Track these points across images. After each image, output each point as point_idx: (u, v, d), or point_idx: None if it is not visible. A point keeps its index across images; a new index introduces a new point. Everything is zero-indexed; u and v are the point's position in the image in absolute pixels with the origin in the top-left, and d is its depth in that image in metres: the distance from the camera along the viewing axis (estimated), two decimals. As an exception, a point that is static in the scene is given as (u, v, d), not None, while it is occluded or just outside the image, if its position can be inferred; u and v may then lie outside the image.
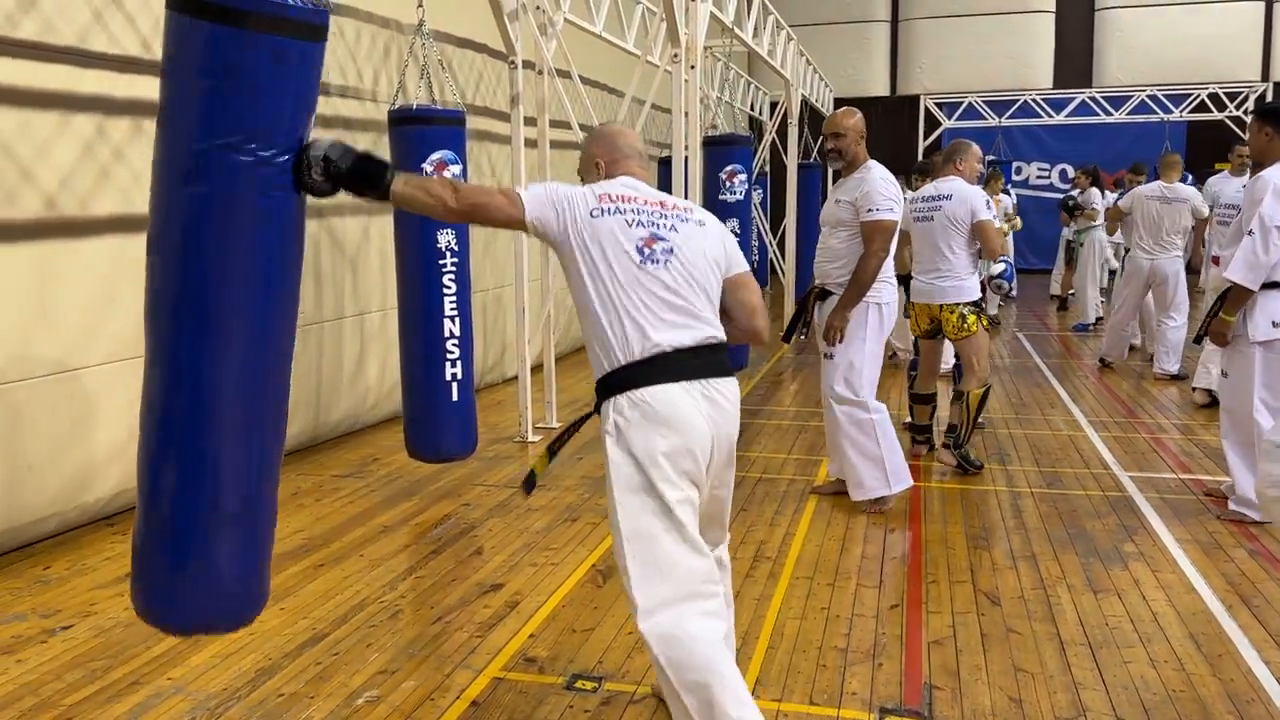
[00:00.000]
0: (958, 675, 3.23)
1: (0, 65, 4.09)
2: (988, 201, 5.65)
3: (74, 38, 4.39)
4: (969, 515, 4.87)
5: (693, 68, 6.20)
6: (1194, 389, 7.17)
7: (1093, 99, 17.92)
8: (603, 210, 2.53)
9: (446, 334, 4.83)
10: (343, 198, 5.89)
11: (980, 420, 5.90)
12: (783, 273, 12.47)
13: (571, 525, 4.75)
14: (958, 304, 5.45)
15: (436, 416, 4.89)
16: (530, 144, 6.78)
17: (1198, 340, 5.05)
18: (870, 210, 4.64)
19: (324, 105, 6.09)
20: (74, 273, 4.47)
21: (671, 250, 2.54)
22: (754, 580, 4.05)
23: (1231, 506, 4.77)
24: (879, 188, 4.66)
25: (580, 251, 2.51)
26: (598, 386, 2.54)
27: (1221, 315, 4.62)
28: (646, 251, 2.51)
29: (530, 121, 6.62)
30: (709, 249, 2.63)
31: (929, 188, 5.68)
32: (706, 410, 2.49)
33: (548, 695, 3.12)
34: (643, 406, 2.44)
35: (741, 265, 2.75)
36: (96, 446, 4.61)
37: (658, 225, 2.57)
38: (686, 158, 6.24)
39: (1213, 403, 6.74)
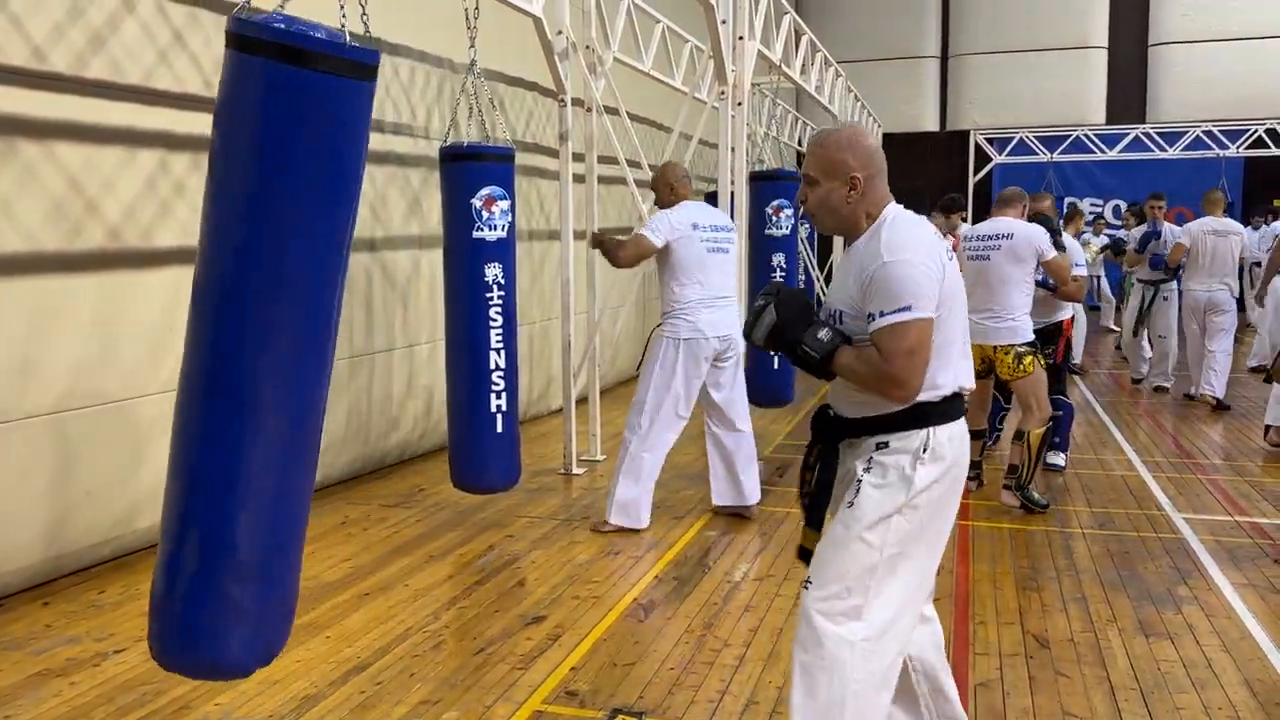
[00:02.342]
0: (1004, 717, 3.18)
1: (70, 103, 4.24)
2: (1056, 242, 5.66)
3: (139, 77, 4.55)
4: (1018, 555, 4.79)
5: (740, 105, 6.26)
6: (1267, 428, 6.92)
7: (1146, 134, 17.73)
8: (948, 252, 2.53)
9: (492, 366, 4.87)
10: (394, 228, 5.88)
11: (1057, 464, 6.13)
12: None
13: (614, 559, 4.75)
14: (1013, 344, 5.41)
15: (481, 448, 4.93)
16: (579, 179, 6.86)
17: (1268, 380, 5.05)
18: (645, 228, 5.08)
19: (378, 141, 6.22)
20: (135, 303, 4.60)
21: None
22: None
23: None
24: (659, 215, 5.11)
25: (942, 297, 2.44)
26: (909, 414, 2.44)
27: None
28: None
29: (579, 158, 6.71)
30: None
31: (986, 226, 5.65)
32: None
33: (588, 729, 3.12)
34: (954, 440, 2.47)
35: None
36: (152, 474, 4.71)
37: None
38: (733, 192, 6.28)
39: None
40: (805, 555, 2.60)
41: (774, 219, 7.37)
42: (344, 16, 2.52)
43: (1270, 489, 5.94)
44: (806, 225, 14.57)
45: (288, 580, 2.51)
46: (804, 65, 9.36)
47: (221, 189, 2.30)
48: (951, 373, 2.48)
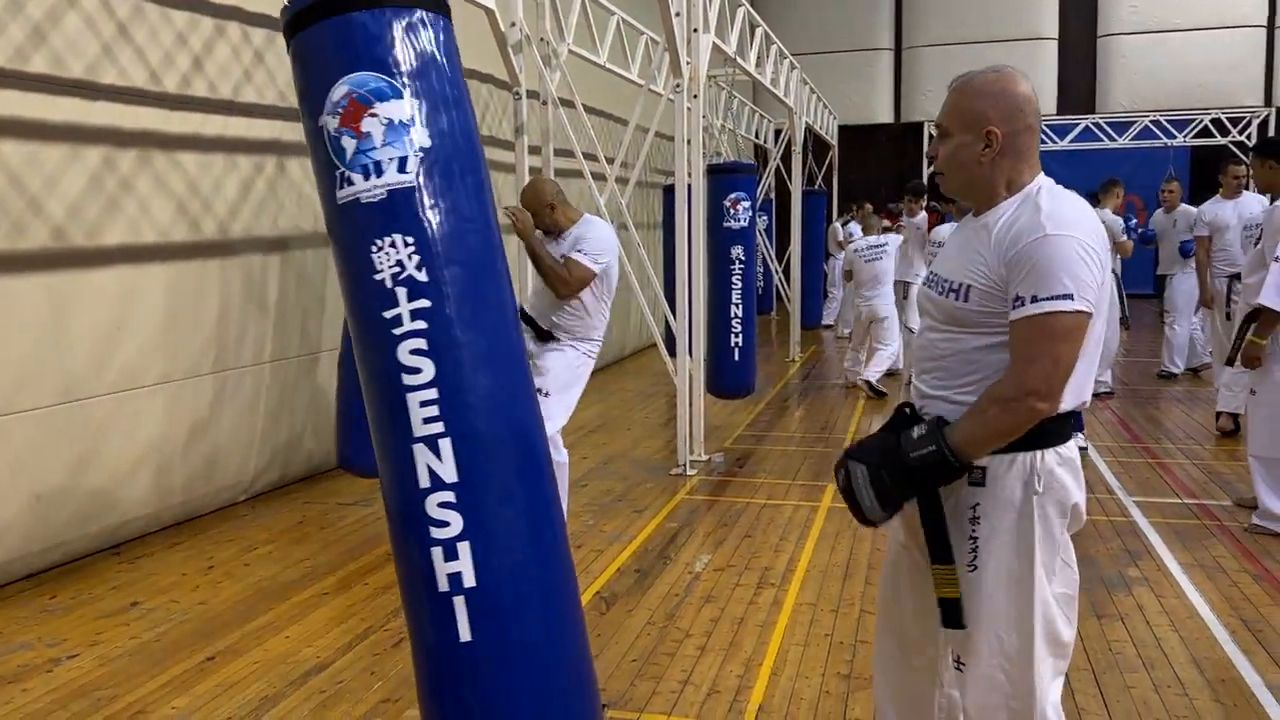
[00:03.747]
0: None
1: (10, 98, 4.15)
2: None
3: (82, 71, 4.46)
4: (973, 541, 4.85)
5: (695, 97, 6.26)
6: (1219, 414, 7.08)
7: (1096, 125, 17.99)
8: (1107, 259, 2.10)
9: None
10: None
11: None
12: (788, 299, 12.50)
13: (576, 552, 4.75)
14: None
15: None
16: (536, 173, 6.84)
17: (1229, 363, 5.22)
18: (576, 253, 4.47)
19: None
20: (83, 302, 4.52)
21: None
22: (757, 607, 4.04)
23: (1255, 521, 4.91)
24: (590, 232, 4.56)
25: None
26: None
27: (1252, 339, 4.73)
28: None
29: (535, 150, 6.68)
30: None
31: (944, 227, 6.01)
32: None
33: (552, 723, 3.12)
34: (1070, 463, 2.08)
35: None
36: (104, 476, 4.64)
37: None
38: (690, 185, 6.29)
39: (1234, 430, 6.81)
40: (950, 611, 2.09)
41: (731, 212, 7.40)
42: None
43: (1219, 472, 6.06)
44: (765, 217, 14.65)
45: None
46: (759, 58, 9.39)
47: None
48: (1087, 386, 2.08)
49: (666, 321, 6.95)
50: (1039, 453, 2.02)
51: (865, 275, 9.02)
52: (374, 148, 1.97)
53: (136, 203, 4.76)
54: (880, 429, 2.16)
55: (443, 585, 1.94)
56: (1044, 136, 18.19)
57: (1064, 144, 18.19)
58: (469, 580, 1.92)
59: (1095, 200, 9.24)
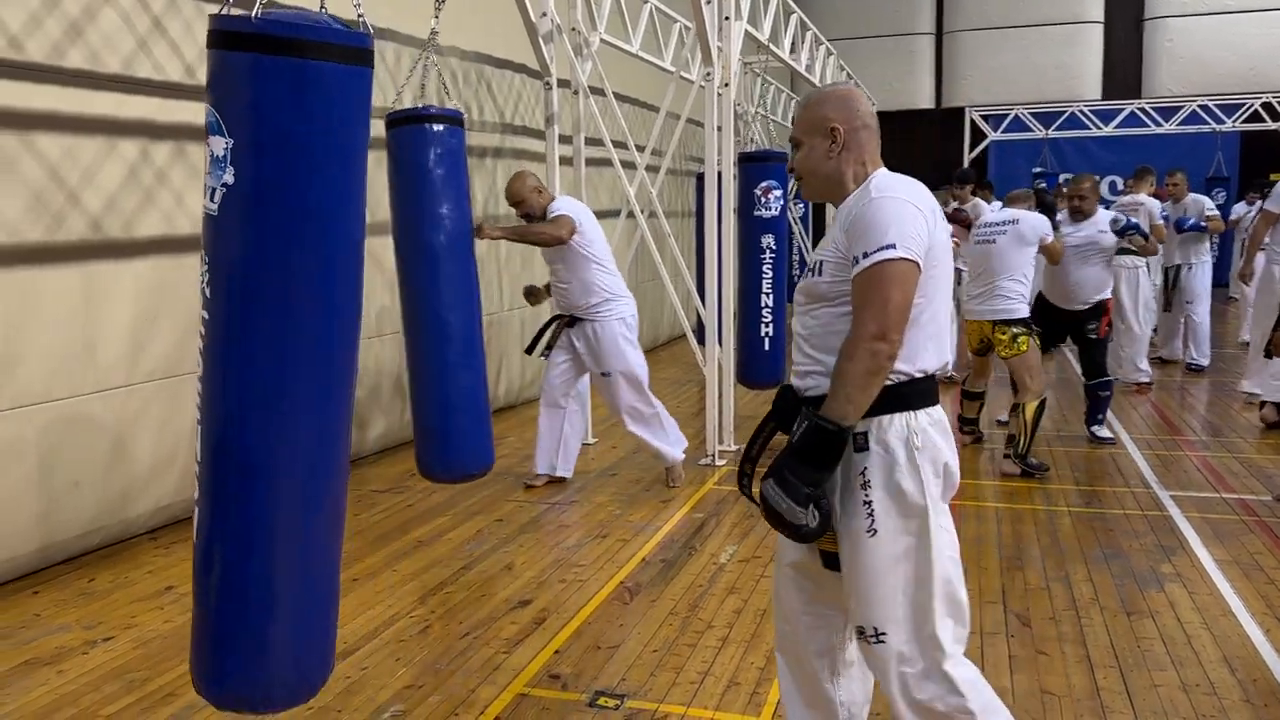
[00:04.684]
0: (983, 697, 3.20)
1: (48, 93, 4.22)
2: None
3: (119, 66, 4.53)
4: (1004, 535, 4.81)
5: (726, 85, 6.23)
6: (1261, 404, 7.03)
7: (1142, 110, 17.64)
8: (936, 216, 2.24)
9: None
10: (381, 214, 5.76)
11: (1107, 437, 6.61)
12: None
13: (602, 542, 4.77)
14: (1010, 322, 5.79)
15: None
16: (567, 162, 6.85)
17: (1267, 355, 5.23)
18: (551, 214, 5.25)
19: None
20: (120, 293, 4.60)
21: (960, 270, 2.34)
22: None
23: None
24: (560, 203, 5.35)
25: (929, 265, 2.19)
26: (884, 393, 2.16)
27: None
28: (955, 268, 2.31)
29: (567, 140, 6.68)
30: None
31: (995, 214, 6.16)
32: None
33: (570, 712, 3.15)
34: (940, 425, 2.24)
35: None
36: (139, 462, 4.73)
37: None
38: (720, 173, 6.27)
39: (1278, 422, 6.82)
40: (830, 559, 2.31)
41: (763, 200, 7.36)
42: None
43: (1259, 465, 5.95)
44: (800, 205, 14.55)
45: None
46: (794, 44, 9.32)
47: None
48: (941, 351, 2.26)
49: (697, 311, 6.93)
50: (913, 413, 2.19)
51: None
52: (208, 172, 2.18)
53: (172, 195, 4.83)
54: (765, 417, 2.34)
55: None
56: (1088, 121, 17.93)
57: (1108, 130, 17.88)
58: (195, 534, 2.29)
59: (1128, 187, 9.13)
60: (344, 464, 2.36)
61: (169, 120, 4.79)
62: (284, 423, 2.23)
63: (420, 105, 4.28)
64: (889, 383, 2.15)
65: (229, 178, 2.15)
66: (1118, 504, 5.27)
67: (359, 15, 2.43)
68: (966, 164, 18.15)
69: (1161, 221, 8.47)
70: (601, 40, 6.80)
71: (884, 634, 2.22)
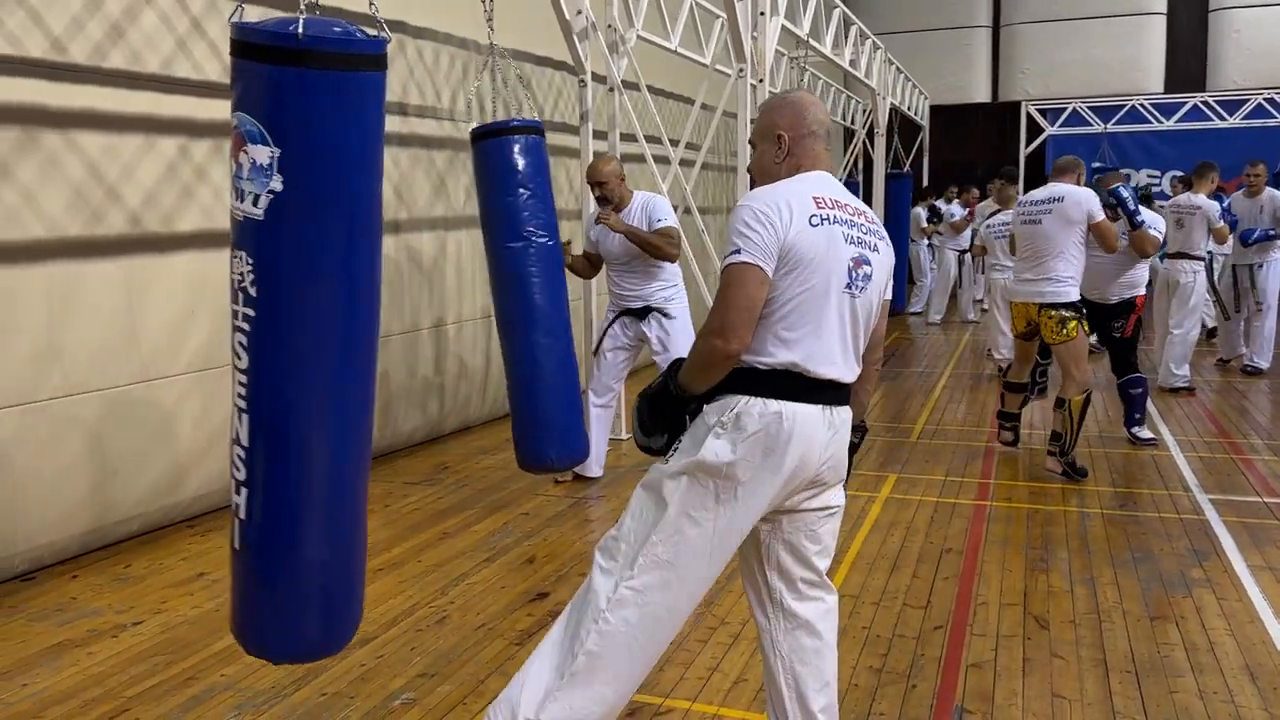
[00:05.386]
0: (992, 700, 3.17)
1: (90, 93, 4.36)
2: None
3: (158, 65, 4.66)
4: (1032, 536, 4.75)
5: (760, 80, 6.21)
6: None
7: (1205, 103, 17.20)
8: (821, 218, 2.29)
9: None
10: (419, 210, 5.78)
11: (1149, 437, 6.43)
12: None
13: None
14: (1057, 306, 5.51)
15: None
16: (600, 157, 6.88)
17: None
18: (661, 220, 5.30)
19: (402, 125, 6.30)
20: (158, 286, 4.73)
21: (870, 277, 2.35)
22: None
23: None
24: (661, 201, 5.43)
25: (789, 257, 2.27)
26: (727, 377, 2.33)
27: None
28: (853, 275, 2.32)
29: (602, 135, 6.71)
30: (886, 273, 2.45)
31: (1039, 191, 5.78)
32: (826, 437, 2.36)
33: (576, 704, 3.18)
34: (774, 416, 2.30)
35: (888, 291, 2.53)
36: (179, 452, 4.87)
37: (864, 244, 2.35)
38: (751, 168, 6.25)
39: None
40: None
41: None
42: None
43: (1306, 469, 5.80)
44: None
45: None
46: (837, 38, 9.24)
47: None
48: (796, 348, 2.29)
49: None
50: (745, 397, 2.31)
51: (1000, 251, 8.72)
52: (242, 177, 2.29)
53: (210, 190, 4.95)
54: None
55: (232, 507, 2.53)
56: (1149, 115, 17.51)
57: (1170, 124, 17.46)
58: (242, 513, 2.48)
59: (1189, 185, 8.87)
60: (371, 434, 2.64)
61: (207, 118, 4.91)
62: (333, 407, 2.44)
63: (503, 119, 4.81)
64: (736, 367, 2.31)
65: (277, 185, 2.27)
66: (1153, 507, 5.16)
67: (373, 12, 2.50)
68: (1023, 159, 17.85)
69: (1222, 224, 8.19)
70: (639, 37, 6.82)
71: (613, 535, 2.43)
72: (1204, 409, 7.62)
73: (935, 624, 3.75)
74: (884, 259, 2.42)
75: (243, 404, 2.41)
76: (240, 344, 2.38)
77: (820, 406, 2.33)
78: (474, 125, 4.93)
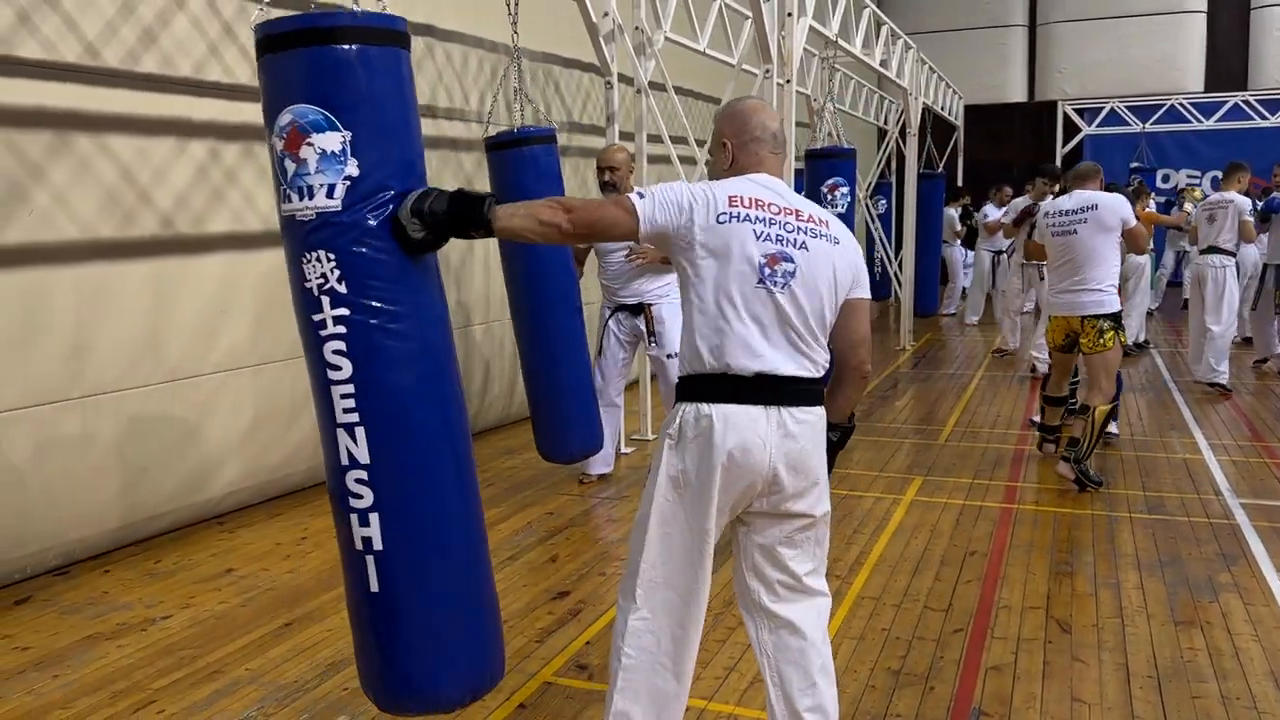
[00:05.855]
0: (1010, 703, 3.15)
1: (122, 97, 4.44)
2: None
3: (190, 70, 4.74)
4: (1058, 540, 4.71)
5: (788, 81, 6.20)
6: None
7: (1246, 102, 16.93)
8: (731, 215, 2.35)
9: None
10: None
11: (1112, 432, 6.40)
12: (899, 285, 12.21)
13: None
14: (1099, 316, 5.44)
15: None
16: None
17: None
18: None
19: (431, 127, 6.36)
20: (189, 287, 4.81)
21: (794, 273, 2.36)
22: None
23: None
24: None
25: (697, 257, 2.35)
26: (679, 385, 2.45)
27: None
28: (767, 271, 2.34)
29: (629, 136, 6.73)
30: (838, 270, 2.44)
31: (1067, 200, 5.64)
32: (775, 438, 2.36)
33: (592, 702, 3.20)
34: (704, 421, 2.35)
35: (864, 289, 2.53)
36: (208, 450, 4.95)
37: (786, 241, 2.37)
38: (780, 172, 6.24)
39: None
40: None
41: (830, 197, 7.32)
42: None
43: (1342, 474, 5.70)
44: (883, 201, 14.34)
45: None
46: (867, 38, 9.20)
47: None
48: (715, 350, 2.35)
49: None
50: (684, 405, 2.40)
51: None
52: (309, 173, 2.18)
53: (240, 193, 5.03)
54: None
55: (358, 545, 2.30)
56: (1188, 115, 17.25)
57: (1210, 123, 17.21)
58: (377, 544, 2.27)
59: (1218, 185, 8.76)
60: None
61: (239, 121, 4.98)
62: (452, 404, 2.39)
63: (518, 128, 4.87)
64: (680, 375, 2.45)
65: (352, 170, 2.18)
66: (1183, 510, 5.10)
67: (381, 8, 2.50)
68: (1060, 159, 17.66)
69: (1250, 219, 8.12)
70: (666, 39, 6.83)
71: (623, 573, 2.54)
72: (1239, 411, 7.50)
73: (955, 627, 3.73)
74: (818, 256, 2.39)
75: (353, 418, 2.22)
76: (337, 352, 2.22)
77: (762, 407, 2.34)
78: (487, 135, 5.02)
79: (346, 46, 2.17)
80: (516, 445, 6.73)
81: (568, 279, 5.04)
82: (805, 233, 2.41)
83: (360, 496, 2.26)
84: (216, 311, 4.92)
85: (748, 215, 2.36)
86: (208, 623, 3.88)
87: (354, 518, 2.28)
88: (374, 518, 2.26)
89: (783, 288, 2.35)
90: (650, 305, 5.55)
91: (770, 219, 2.38)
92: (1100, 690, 3.21)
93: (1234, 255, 8.29)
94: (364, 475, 2.25)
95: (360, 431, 2.24)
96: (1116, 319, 5.46)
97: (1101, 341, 5.41)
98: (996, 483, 5.72)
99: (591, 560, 4.51)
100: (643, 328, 5.59)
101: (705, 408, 2.36)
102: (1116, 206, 5.46)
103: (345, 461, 2.26)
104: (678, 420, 2.40)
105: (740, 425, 2.33)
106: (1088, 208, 5.48)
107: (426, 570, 2.31)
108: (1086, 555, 4.48)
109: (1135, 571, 4.26)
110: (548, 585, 4.22)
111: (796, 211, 2.43)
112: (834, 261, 2.44)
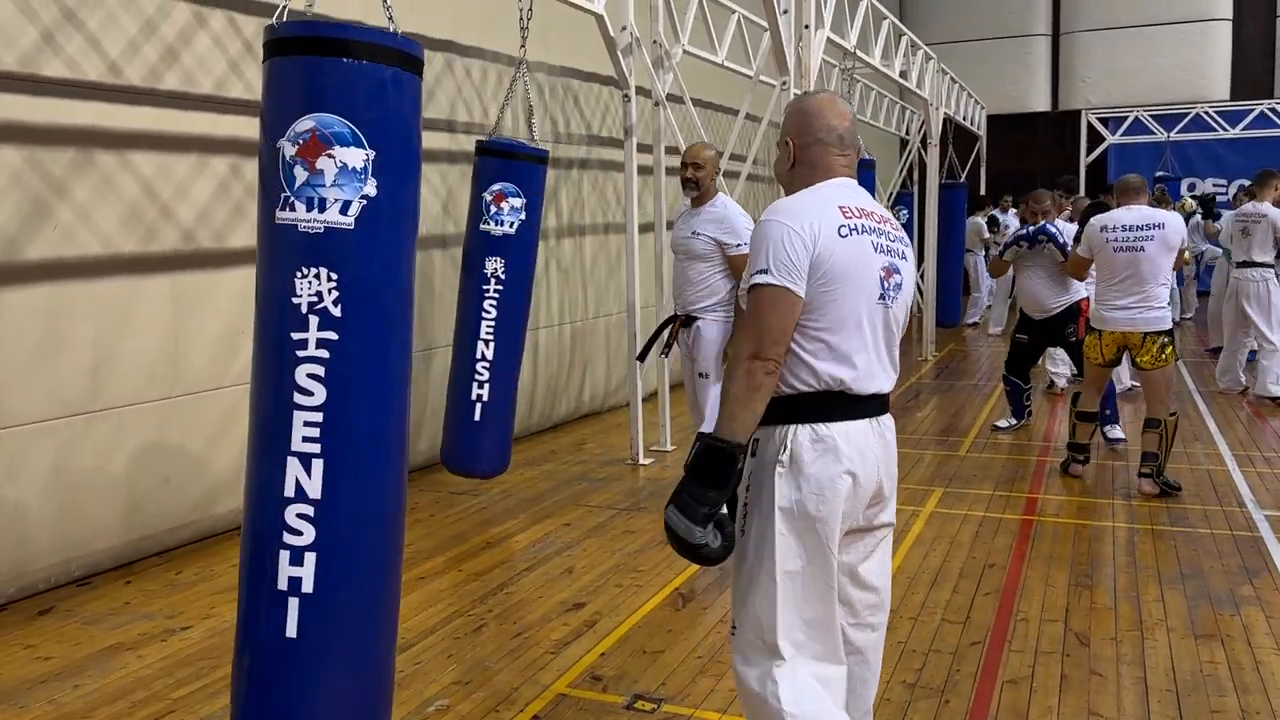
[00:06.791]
0: (1026, 716, 3.13)
1: (144, 114, 4.51)
2: None
3: (211, 87, 4.81)
4: (1078, 552, 4.67)
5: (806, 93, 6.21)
6: None
7: (1273, 110, 16.77)
8: (850, 229, 2.23)
9: (478, 356, 5.09)
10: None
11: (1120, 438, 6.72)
12: (921, 295, 12.16)
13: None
14: (1160, 332, 5.49)
15: (463, 434, 5.22)
16: (646, 171, 6.93)
17: None
18: (739, 245, 5.01)
19: (450, 141, 6.41)
20: (211, 301, 4.87)
21: (900, 285, 2.31)
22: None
23: None
24: (741, 223, 5.11)
25: (821, 281, 2.20)
26: (773, 405, 2.24)
27: None
28: (885, 285, 2.27)
29: (647, 149, 6.75)
30: (913, 281, 2.43)
31: (1130, 215, 5.55)
32: (879, 450, 2.32)
33: (606, 714, 3.20)
34: (827, 440, 2.24)
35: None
36: (227, 462, 4.99)
37: (893, 252, 2.30)
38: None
39: None
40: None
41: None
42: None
43: (1370, 485, 5.62)
44: (904, 211, 14.31)
45: None
46: (886, 49, 9.20)
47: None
48: (838, 368, 2.24)
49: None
50: (793, 427, 2.24)
51: None
52: (323, 185, 2.11)
53: (261, 208, 5.09)
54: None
55: (281, 585, 2.15)
56: (1214, 123, 17.11)
57: (1236, 131, 17.06)
58: (306, 586, 2.13)
59: (1253, 195, 8.66)
60: None
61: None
62: (402, 402, 2.37)
63: (510, 139, 4.93)
64: (775, 395, 2.23)
65: (370, 189, 2.12)
66: (1206, 523, 5.04)
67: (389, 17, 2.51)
68: (1084, 168, 17.56)
69: None
70: (685, 52, 6.86)
71: (734, 628, 2.35)
72: (1267, 424, 7.41)
73: (973, 639, 3.71)
74: (911, 266, 2.40)
75: (313, 448, 2.10)
76: (312, 376, 2.11)
77: (867, 420, 2.29)
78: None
79: (384, 66, 2.15)
80: (534, 456, 6.75)
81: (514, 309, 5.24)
82: (901, 241, 2.36)
83: (299, 533, 2.13)
84: (237, 327, 4.98)
85: (863, 226, 2.25)
86: (227, 634, 3.91)
87: (284, 555, 2.13)
88: (310, 557, 2.13)
89: (893, 301, 2.31)
90: (696, 320, 5.26)
91: (877, 228, 2.28)
92: (1118, 704, 3.18)
93: (1273, 267, 8.23)
94: (309, 511, 2.12)
95: (318, 464, 2.12)
96: (1172, 334, 5.53)
97: (1163, 356, 5.48)
98: (1017, 494, 5.68)
99: (608, 573, 4.51)
100: (687, 340, 5.32)
101: (823, 428, 2.23)
102: (1180, 227, 5.56)
103: (290, 493, 2.13)
104: (788, 446, 2.23)
105: (858, 442, 2.26)
106: (1154, 225, 5.45)
107: (354, 616, 2.20)
108: (1107, 568, 4.44)
109: (1156, 584, 4.22)
110: (563, 597, 4.22)
111: (888, 220, 2.36)
112: (912, 271, 2.43)
